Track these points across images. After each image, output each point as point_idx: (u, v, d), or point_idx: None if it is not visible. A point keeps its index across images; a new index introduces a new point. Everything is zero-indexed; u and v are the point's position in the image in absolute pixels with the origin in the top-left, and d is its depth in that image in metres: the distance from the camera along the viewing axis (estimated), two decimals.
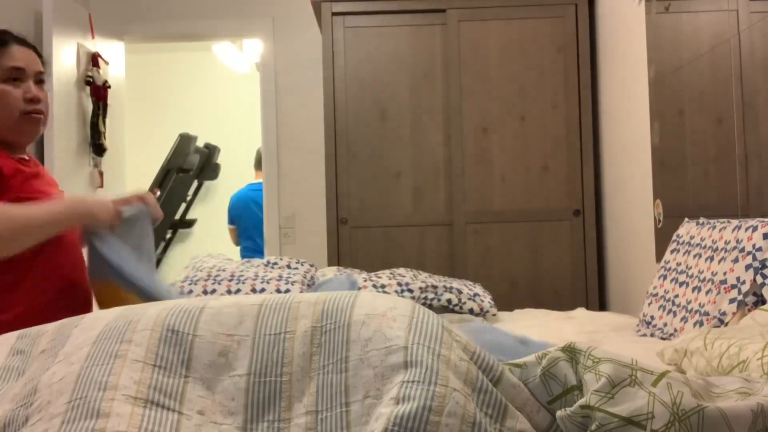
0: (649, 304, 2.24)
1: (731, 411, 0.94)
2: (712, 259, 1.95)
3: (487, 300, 2.72)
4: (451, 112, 3.51)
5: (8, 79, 1.71)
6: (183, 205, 6.43)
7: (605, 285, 3.53)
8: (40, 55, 1.81)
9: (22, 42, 1.77)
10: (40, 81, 1.78)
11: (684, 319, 1.97)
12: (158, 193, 5.92)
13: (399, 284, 2.69)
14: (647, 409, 0.93)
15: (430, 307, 2.68)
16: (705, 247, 2.02)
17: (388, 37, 3.56)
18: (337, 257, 3.50)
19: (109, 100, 4.05)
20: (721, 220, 2.06)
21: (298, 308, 1.09)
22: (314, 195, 4.27)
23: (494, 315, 2.71)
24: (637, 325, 2.29)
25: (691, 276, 2.03)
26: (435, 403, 0.93)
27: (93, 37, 3.98)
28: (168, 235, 6.46)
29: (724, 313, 1.80)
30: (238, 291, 2.69)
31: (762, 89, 2.01)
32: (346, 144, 3.54)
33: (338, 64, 3.55)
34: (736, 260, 1.82)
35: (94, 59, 3.94)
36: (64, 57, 3.64)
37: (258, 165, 4.85)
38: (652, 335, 2.14)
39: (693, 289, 1.99)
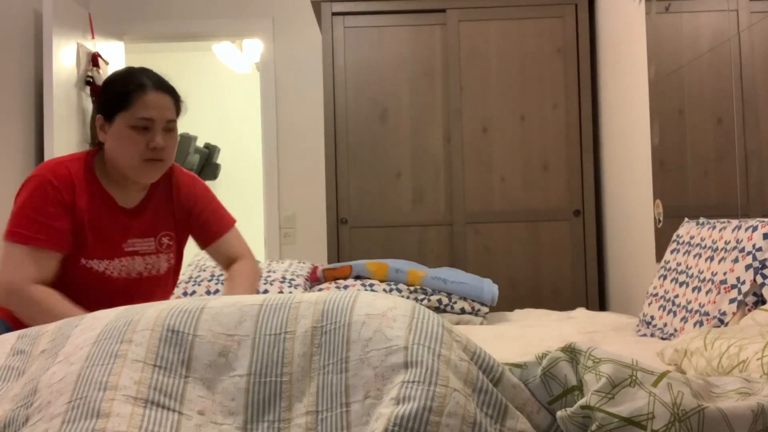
0: (649, 304, 2.24)
1: (731, 411, 0.94)
2: (712, 259, 1.95)
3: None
4: (451, 112, 3.51)
5: (137, 127, 1.75)
6: None
7: (605, 285, 3.53)
8: (177, 99, 1.83)
9: (161, 86, 1.78)
10: (169, 129, 1.80)
11: (684, 319, 1.97)
12: None
13: (388, 283, 2.73)
14: (648, 409, 0.93)
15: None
16: (705, 247, 2.02)
17: (388, 37, 3.56)
18: (337, 257, 3.50)
19: None
20: (721, 220, 2.06)
21: (298, 308, 1.09)
22: (314, 195, 4.27)
23: (485, 316, 2.73)
24: (637, 325, 2.29)
25: (691, 276, 2.03)
26: (435, 403, 0.92)
27: (93, 37, 3.98)
28: None
29: (724, 313, 1.80)
30: None
31: (762, 89, 2.01)
32: (346, 144, 3.54)
33: (338, 64, 3.55)
34: (736, 260, 1.82)
35: (94, 59, 3.94)
36: (64, 57, 3.64)
37: None
38: (652, 335, 2.14)
39: (693, 289, 1.99)
